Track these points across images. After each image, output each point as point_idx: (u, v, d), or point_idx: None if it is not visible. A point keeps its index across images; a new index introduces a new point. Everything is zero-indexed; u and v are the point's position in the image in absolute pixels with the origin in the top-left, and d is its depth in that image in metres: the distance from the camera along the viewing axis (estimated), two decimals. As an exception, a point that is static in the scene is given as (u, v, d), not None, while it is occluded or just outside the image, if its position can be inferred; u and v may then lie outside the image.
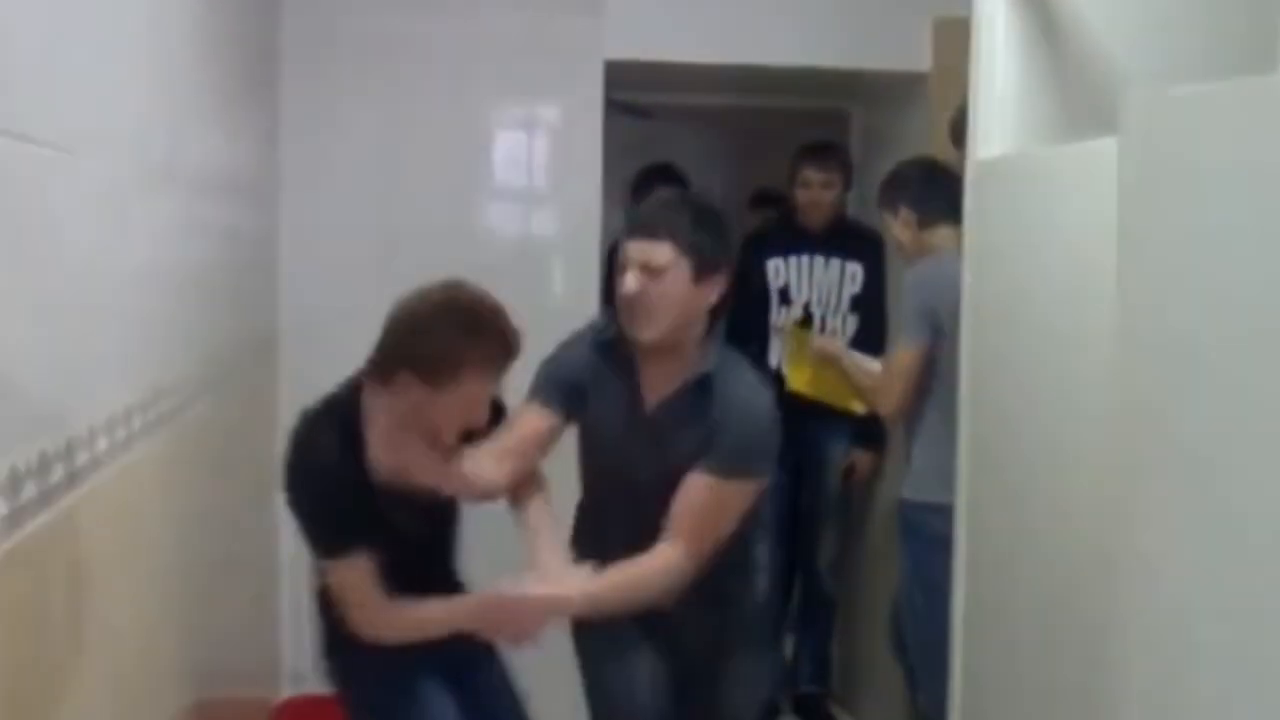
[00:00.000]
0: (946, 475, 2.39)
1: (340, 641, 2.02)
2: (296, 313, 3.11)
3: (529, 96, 3.28)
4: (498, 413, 2.05)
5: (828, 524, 3.61)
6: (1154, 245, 1.46)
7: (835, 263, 3.48)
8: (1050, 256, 1.98)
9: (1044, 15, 2.26)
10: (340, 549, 1.91)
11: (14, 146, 1.27)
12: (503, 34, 3.18)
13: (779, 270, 3.57)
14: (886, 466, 3.44)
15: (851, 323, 3.51)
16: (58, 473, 1.38)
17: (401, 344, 1.88)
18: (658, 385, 2.10)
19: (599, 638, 2.20)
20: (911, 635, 2.85)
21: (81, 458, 1.46)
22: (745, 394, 2.08)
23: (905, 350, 2.78)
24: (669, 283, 2.01)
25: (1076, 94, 2.16)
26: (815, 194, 3.52)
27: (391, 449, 1.91)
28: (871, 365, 3.04)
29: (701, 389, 2.06)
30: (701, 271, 2.05)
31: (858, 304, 3.51)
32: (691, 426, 2.05)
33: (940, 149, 3.01)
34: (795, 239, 3.56)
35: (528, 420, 2.10)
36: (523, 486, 2.11)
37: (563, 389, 2.11)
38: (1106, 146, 1.61)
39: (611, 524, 2.17)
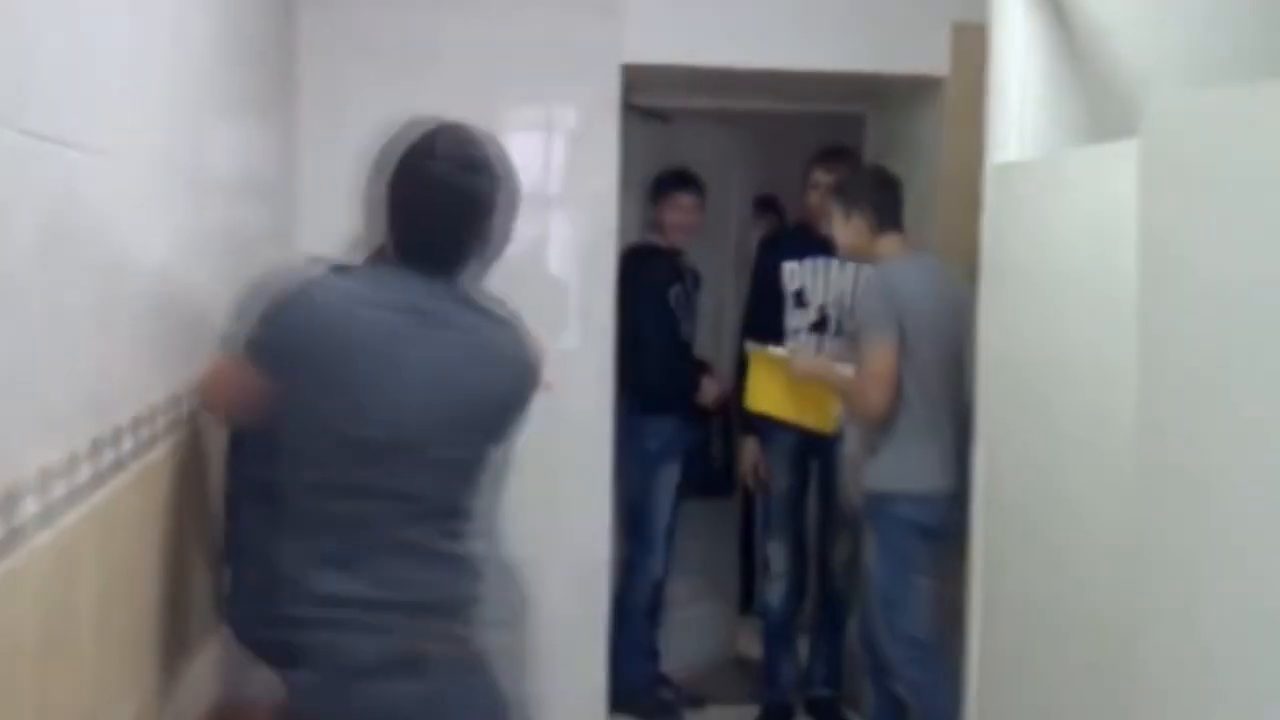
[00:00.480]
0: (916, 468, 2.75)
1: None
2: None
3: (546, 100, 3.29)
4: None
5: (840, 528, 3.61)
6: (1176, 248, 1.47)
7: (850, 266, 3.48)
8: (1068, 260, 1.98)
9: (1061, 19, 2.27)
10: None
11: (44, 148, 1.29)
12: (520, 38, 3.19)
13: (794, 273, 3.57)
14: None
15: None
16: (84, 472, 1.40)
17: None
18: None
19: None
20: (885, 626, 2.93)
21: (107, 456, 1.48)
22: None
23: (879, 351, 2.85)
24: None
25: (1092, 98, 2.17)
26: (825, 196, 3.53)
27: None
28: (845, 370, 3.07)
29: None
30: None
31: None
32: None
33: (956, 153, 3.02)
34: (810, 242, 3.57)
35: None
36: None
37: None
38: (1125, 150, 1.61)
39: None
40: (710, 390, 3.71)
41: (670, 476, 3.65)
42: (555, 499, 3.14)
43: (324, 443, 1.62)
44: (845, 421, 3.22)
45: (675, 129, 4.01)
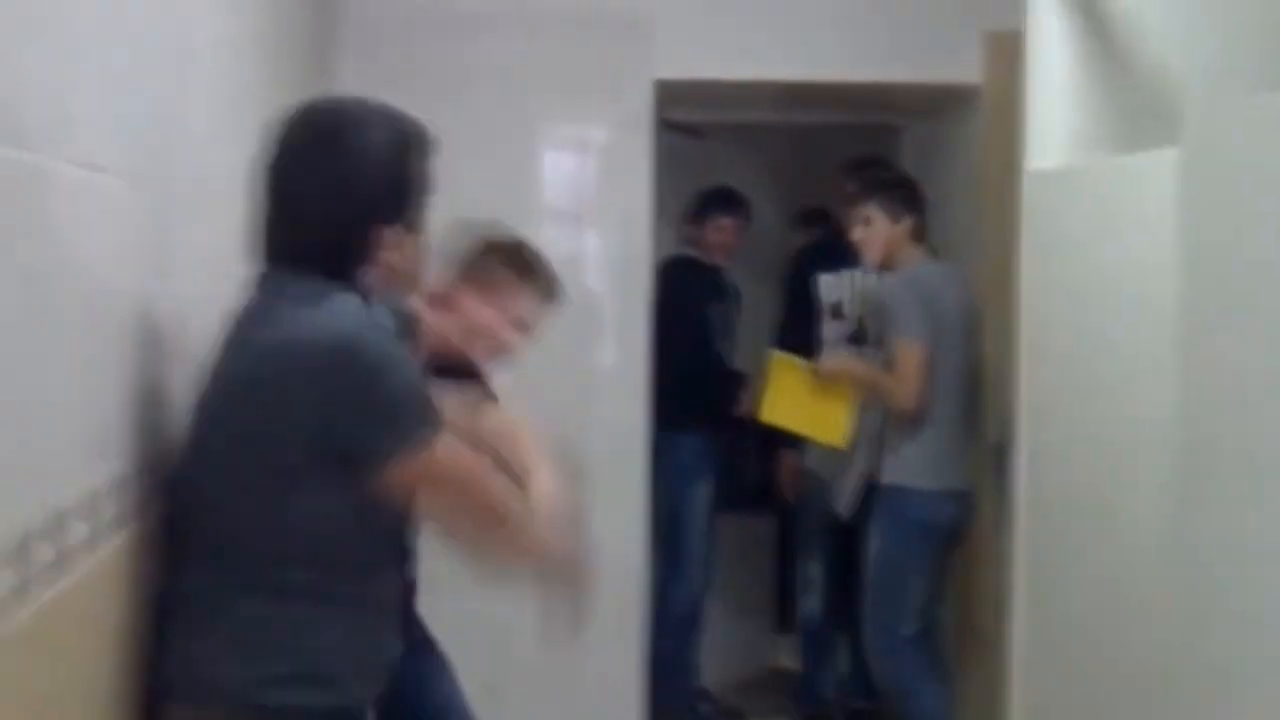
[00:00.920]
0: (933, 465, 2.97)
1: None
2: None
3: (579, 118, 3.30)
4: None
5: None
6: (1217, 254, 1.45)
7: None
8: (1108, 268, 1.96)
9: (1097, 25, 2.24)
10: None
11: (90, 178, 1.31)
12: (553, 57, 3.20)
13: (830, 285, 3.55)
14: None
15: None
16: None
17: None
18: None
19: None
20: (872, 613, 3.10)
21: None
22: None
23: (912, 348, 2.97)
24: None
25: (1129, 103, 2.15)
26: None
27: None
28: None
29: None
30: None
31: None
32: None
33: (993, 162, 2.99)
34: (845, 254, 3.55)
35: None
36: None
37: None
38: (1166, 157, 1.59)
39: None
40: (746, 403, 3.70)
41: (705, 492, 3.64)
42: (590, 515, 3.14)
43: None
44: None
45: (710, 144, 4.02)
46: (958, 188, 3.48)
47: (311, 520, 1.43)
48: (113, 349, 1.39)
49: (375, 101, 1.54)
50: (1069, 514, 2.08)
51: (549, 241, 3.40)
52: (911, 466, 3.02)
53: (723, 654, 3.97)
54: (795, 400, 3.26)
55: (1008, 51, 2.57)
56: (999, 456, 2.78)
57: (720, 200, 3.76)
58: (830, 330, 3.54)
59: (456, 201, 3.22)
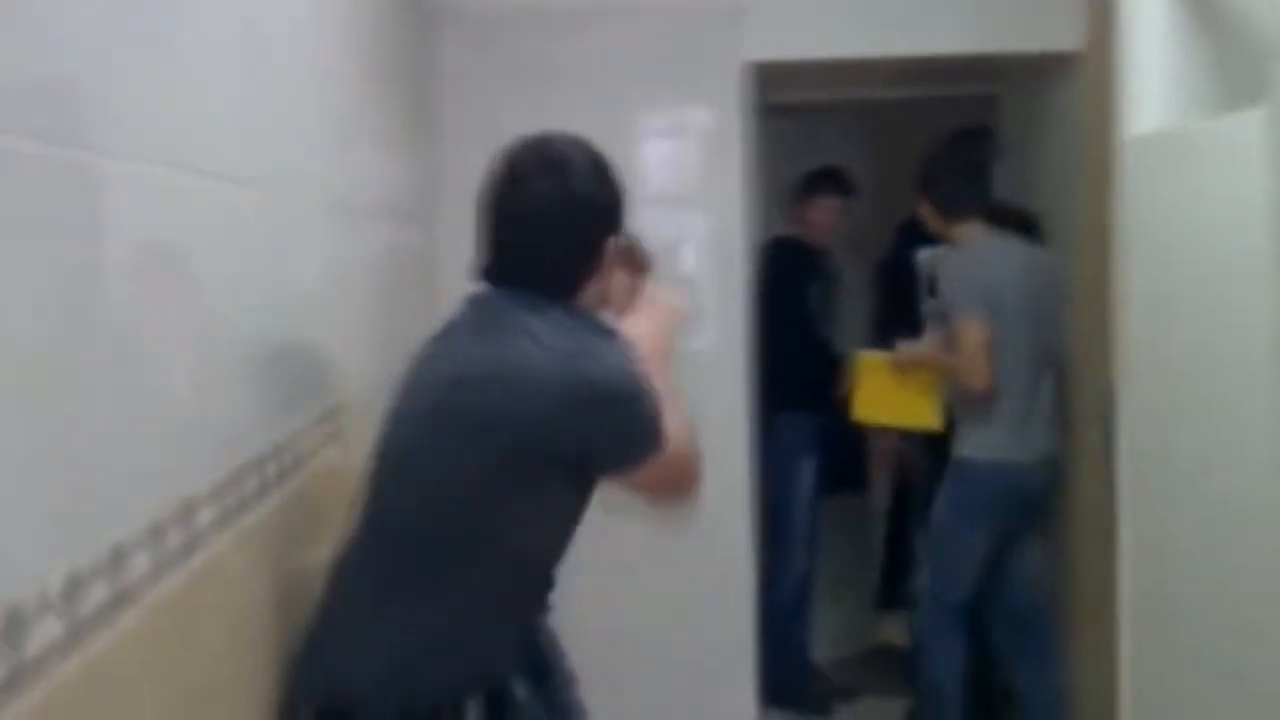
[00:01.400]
0: (997, 438, 3.07)
1: None
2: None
3: (675, 103, 3.34)
4: None
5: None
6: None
7: (941, 255, 3.42)
8: (1205, 232, 1.92)
9: (1195, -15, 2.19)
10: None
11: (216, 186, 1.42)
12: (648, 45, 3.24)
13: (928, 261, 3.53)
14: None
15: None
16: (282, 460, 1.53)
17: None
18: None
19: None
20: (924, 573, 3.24)
21: (287, 456, 1.63)
22: None
23: (974, 327, 3.02)
24: None
25: (1229, 66, 2.09)
26: None
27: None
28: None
29: None
30: None
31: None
32: None
33: (1096, 129, 2.93)
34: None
35: None
36: None
37: None
38: (1254, 118, 1.56)
39: None
40: (844, 385, 3.70)
41: (808, 472, 3.66)
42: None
43: None
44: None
45: (807, 123, 4.01)
46: (1058, 156, 3.41)
47: (516, 522, 1.55)
48: (237, 349, 1.51)
49: (561, 132, 1.70)
50: (1174, 493, 2.05)
51: (648, 226, 3.47)
52: (971, 440, 3.12)
53: (829, 631, 3.99)
54: (884, 394, 3.32)
55: (1105, 15, 2.51)
56: (1105, 424, 2.73)
57: (822, 180, 3.76)
58: (929, 306, 3.52)
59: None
